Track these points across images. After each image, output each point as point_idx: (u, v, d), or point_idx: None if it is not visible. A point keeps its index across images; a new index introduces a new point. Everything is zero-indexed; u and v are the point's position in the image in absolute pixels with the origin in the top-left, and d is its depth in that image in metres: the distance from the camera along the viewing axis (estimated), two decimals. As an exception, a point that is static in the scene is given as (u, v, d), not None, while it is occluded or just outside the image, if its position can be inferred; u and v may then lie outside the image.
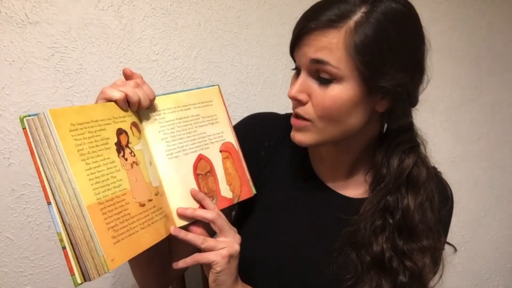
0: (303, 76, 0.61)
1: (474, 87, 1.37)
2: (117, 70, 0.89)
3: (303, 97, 0.61)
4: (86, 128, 0.51)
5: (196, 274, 1.01)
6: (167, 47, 0.94)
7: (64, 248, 0.47)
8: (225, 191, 0.66)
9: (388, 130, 0.67)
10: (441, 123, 1.32)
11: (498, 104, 1.43)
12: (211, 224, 0.61)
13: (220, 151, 0.67)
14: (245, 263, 0.65)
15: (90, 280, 0.47)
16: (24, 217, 0.84)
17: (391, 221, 0.64)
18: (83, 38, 0.85)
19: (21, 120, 0.48)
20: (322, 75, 0.58)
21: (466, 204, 1.39)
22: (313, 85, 0.60)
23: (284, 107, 1.08)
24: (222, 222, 0.61)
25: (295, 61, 0.64)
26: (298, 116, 0.63)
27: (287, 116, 0.78)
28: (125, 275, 0.94)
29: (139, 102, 0.57)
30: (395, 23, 0.57)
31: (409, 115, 0.66)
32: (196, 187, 0.63)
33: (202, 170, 0.64)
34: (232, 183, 0.67)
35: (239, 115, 1.02)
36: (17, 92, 0.81)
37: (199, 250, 0.60)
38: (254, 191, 0.70)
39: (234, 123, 0.78)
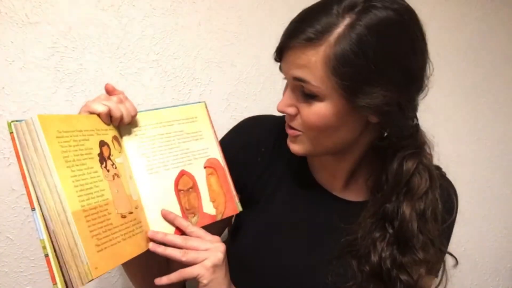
0: (289, 90, 0.60)
1: (474, 87, 1.37)
2: (117, 70, 0.89)
3: (291, 110, 0.60)
4: (71, 136, 0.51)
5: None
6: (167, 47, 0.94)
7: (46, 255, 0.46)
8: (208, 208, 0.66)
9: (390, 134, 0.63)
10: (441, 123, 1.32)
11: (498, 104, 1.42)
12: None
13: (204, 167, 0.67)
14: (243, 269, 0.64)
15: None
16: (24, 217, 0.84)
17: (391, 230, 0.63)
18: (83, 38, 0.85)
19: (9, 125, 0.48)
20: (306, 91, 0.57)
21: (466, 204, 1.39)
22: (299, 99, 0.59)
23: (284, 107, 1.07)
24: (193, 244, 0.59)
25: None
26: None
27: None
28: (125, 275, 0.94)
29: (122, 117, 0.58)
30: (381, 36, 0.52)
31: (406, 125, 0.61)
32: (177, 203, 0.63)
33: (184, 186, 0.64)
34: (216, 200, 0.67)
35: (239, 115, 1.02)
36: (17, 92, 0.81)
37: None
38: (239, 208, 0.69)
39: (234, 124, 0.78)
